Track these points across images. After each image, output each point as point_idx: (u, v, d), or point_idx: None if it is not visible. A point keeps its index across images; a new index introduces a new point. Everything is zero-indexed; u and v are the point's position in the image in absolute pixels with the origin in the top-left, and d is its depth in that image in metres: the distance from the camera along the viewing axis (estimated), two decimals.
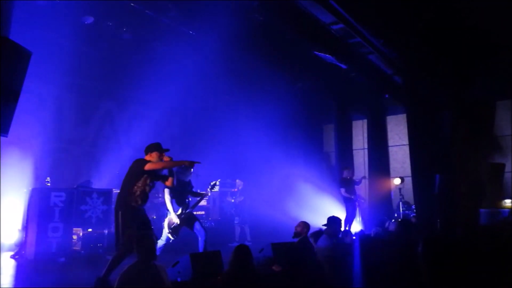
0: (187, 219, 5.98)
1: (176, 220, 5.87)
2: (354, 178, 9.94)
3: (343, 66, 9.64)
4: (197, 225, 5.97)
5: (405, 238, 5.38)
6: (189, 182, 6.29)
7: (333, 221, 5.79)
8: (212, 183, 6.35)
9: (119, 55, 10.11)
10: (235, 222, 10.14)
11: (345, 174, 9.65)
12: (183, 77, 11.68)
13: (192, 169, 6.06)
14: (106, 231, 7.60)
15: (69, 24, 8.59)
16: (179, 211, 5.96)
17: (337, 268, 4.11)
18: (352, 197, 9.42)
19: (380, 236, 7.42)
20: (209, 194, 6.33)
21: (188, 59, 10.16)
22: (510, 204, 10.49)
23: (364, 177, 10.47)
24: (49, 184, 7.41)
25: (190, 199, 6.23)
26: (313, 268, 3.86)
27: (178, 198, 6.03)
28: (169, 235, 5.87)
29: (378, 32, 7.92)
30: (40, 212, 6.74)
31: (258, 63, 10.27)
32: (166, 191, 6.00)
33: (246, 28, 8.11)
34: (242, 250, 3.72)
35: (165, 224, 5.93)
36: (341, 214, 9.43)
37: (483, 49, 9.23)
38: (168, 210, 5.97)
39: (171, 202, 5.95)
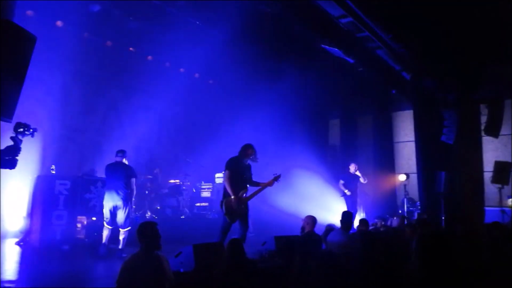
0: (243, 209, 5.78)
1: (236, 203, 5.65)
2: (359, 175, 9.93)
3: (351, 60, 9.54)
4: (243, 217, 5.80)
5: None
6: (249, 166, 6.04)
7: (346, 215, 5.77)
8: (276, 176, 5.99)
9: (125, 44, 10.09)
10: None
11: (350, 169, 9.73)
12: (189, 68, 11.67)
13: (255, 153, 5.95)
14: None
15: (76, 12, 8.57)
16: (239, 194, 5.75)
17: (352, 263, 4.10)
18: (347, 191, 9.47)
19: (379, 230, 7.44)
20: (272, 185, 5.99)
21: (195, 49, 10.12)
22: None
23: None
24: (54, 172, 7.43)
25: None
26: (320, 262, 3.83)
27: (239, 181, 5.82)
28: (226, 217, 5.70)
29: (387, 26, 7.82)
30: (44, 199, 6.78)
31: (265, 55, 10.21)
32: (226, 173, 5.82)
33: (253, 20, 8.04)
34: (232, 245, 3.84)
35: (224, 207, 5.71)
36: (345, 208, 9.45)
37: (492, 47, 9.11)
38: (227, 193, 5.76)
39: (231, 185, 5.73)
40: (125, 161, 6.56)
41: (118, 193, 6.30)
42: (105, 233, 6.34)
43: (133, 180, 6.50)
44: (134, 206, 8.62)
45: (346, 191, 9.51)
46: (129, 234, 6.32)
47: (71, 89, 9.49)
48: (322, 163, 12.10)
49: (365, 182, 9.92)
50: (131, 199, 6.45)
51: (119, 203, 6.30)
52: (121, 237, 6.33)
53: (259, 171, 6.20)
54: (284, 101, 11.58)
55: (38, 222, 6.69)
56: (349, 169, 9.82)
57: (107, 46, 9.89)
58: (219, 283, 3.63)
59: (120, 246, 6.32)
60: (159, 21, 8.95)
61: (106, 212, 6.35)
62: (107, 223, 6.33)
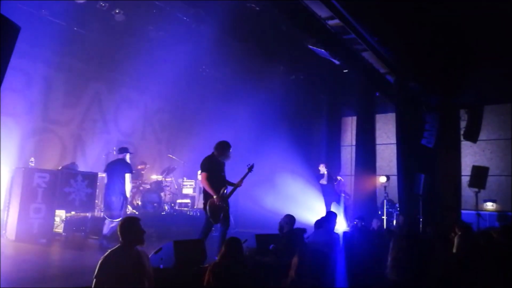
0: (224, 207, 5.67)
1: (220, 202, 5.54)
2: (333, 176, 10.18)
3: (336, 61, 9.64)
4: (225, 214, 5.70)
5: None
6: (224, 163, 5.90)
7: (330, 216, 5.83)
8: (249, 166, 5.90)
9: (110, 37, 9.93)
10: None
11: (320, 170, 9.94)
12: (176, 63, 11.55)
13: (230, 151, 5.84)
14: (89, 215, 7.53)
15: (61, 3, 8.40)
16: (220, 193, 5.62)
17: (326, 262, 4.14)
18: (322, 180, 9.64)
19: (358, 230, 7.57)
20: (242, 182, 5.87)
21: (182, 45, 10.04)
22: (491, 207, 10.70)
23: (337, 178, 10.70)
24: (32, 164, 7.28)
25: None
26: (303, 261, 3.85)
27: (218, 180, 5.70)
28: (211, 220, 5.57)
29: (374, 30, 7.93)
30: (22, 192, 6.64)
31: (252, 54, 10.20)
32: (203, 175, 5.66)
33: (241, 17, 8.04)
34: (234, 243, 3.82)
35: (208, 209, 5.57)
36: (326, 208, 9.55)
37: (474, 55, 9.33)
38: (208, 194, 5.63)
39: (211, 185, 5.59)
40: (126, 157, 6.98)
41: (114, 188, 6.70)
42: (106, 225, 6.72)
43: (127, 175, 6.79)
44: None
45: (322, 180, 9.73)
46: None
47: (53, 81, 9.32)
48: (304, 162, 12.19)
49: (342, 180, 10.12)
50: (125, 193, 6.76)
51: (114, 197, 6.67)
52: (111, 225, 6.59)
53: (241, 170, 6.16)
54: (269, 100, 11.61)
55: (15, 215, 6.56)
56: (318, 170, 10.02)
57: (92, 38, 9.73)
58: (210, 279, 3.60)
59: (105, 231, 6.58)
60: (146, 15, 8.84)
61: (104, 205, 6.98)
62: (105, 215, 6.84)
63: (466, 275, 2.93)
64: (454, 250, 4.55)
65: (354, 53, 9.30)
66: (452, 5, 7.43)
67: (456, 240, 4.81)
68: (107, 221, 6.66)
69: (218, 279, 3.56)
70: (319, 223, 6.07)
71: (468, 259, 3.35)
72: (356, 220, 8.55)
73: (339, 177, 10.33)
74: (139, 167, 9.85)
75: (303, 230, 5.44)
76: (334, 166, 12.13)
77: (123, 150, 7.09)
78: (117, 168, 6.84)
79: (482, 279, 2.87)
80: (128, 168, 6.87)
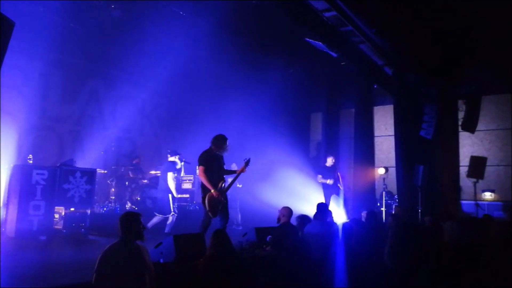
0: (222, 200, 5.70)
1: (217, 196, 5.57)
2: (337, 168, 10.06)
3: (334, 54, 9.61)
4: (223, 208, 5.75)
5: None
6: (222, 156, 5.92)
7: (322, 207, 5.86)
8: (246, 160, 5.90)
9: (107, 33, 9.89)
10: None
11: (327, 162, 9.83)
12: (172, 58, 11.50)
13: (227, 144, 5.86)
14: (88, 211, 7.54)
15: None
16: (218, 186, 5.66)
17: (325, 253, 4.18)
18: (328, 181, 9.53)
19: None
20: (245, 171, 5.89)
21: (178, 40, 10.00)
22: (489, 197, 10.74)
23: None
24: (31, 162, 7.28)
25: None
26: (297, 252, 3.89)
27: (215, 173, 5.71)
28: (210, 214, 5.59)
29: (371, 21, 7.90)
30: (21, 189, 6.63)
31: (249, 47, 10.18)
32: (200, 168, 5.66)
33: (238, 11, 8.01)
34: (219, 235, 3.92)
35: (206, 202, 5.59)
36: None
37: (471, 45, 9.31)
38: (206, 188, 5.64)
39: (209, 179, 5.61)
40: (173, 158, 7.76)
41: (161, 186, 7.64)
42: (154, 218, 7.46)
43: (167, 174, 7.54)
44: (177, 195, 8.56)
45: (327, 181, 9.57)
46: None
47: (50, 78, 9.29)
48: (303, 156, 12.18)
49: (341, 188, 9.99)
50: (168, 189, 7.46)
51: (161, 194, 7.61)
52: (168, 222, 7.39)
53: (239, 165, 6.15)
54: (267, 93, 11.59)
55: (15, 212, 6.55)
56: (326, 161, 9.93)
57: (88, 35, 9.68)
58: (203, 272, 3.65)
59: (148, 224, 7.14)
60: (143, 10, 8.80)
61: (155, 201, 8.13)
62: (154, 211, 7.67)
63: (457, 263, 2.96)
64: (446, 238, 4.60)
65: (351, 45, 9.28)
66: None
67: (447, 229, 4.86)
68: (157, 216, 7.43)
69: (211, 271, 3.59)
70: (314, 216, 6.09)
71: (459, 247, 3.38)
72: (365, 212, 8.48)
73: (339, 186, 10.10)
74: (134, 161, 9.88)
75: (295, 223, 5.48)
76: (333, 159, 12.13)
77: (171, 152, 7.98)
78: (163, 169, 7.83)
79: (471, 267, 2.89)
80: (171, 168, 7.64)
